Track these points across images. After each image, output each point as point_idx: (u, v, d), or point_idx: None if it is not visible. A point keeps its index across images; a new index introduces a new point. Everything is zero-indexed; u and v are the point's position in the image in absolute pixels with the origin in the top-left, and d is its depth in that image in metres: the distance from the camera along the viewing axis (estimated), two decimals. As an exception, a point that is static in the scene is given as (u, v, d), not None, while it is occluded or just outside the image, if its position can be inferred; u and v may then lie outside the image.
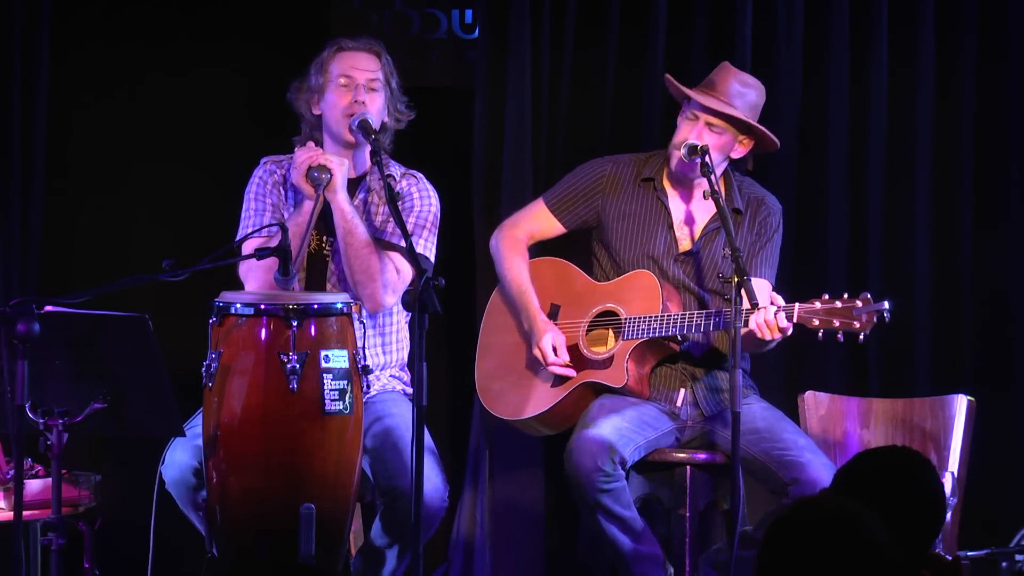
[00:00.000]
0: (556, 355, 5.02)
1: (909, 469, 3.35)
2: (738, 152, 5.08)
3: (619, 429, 4.87)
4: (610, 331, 5.07)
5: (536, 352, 5.06)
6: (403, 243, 4.63)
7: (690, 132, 5.00)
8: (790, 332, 4.76)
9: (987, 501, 5.65)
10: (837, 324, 4.71)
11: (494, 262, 5.23)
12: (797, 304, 4.75)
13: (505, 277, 5.18)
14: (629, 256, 5.09)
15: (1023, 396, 5.85)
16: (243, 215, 4.97)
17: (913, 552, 3.26)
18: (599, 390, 5.03)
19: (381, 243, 4.84)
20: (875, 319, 4.69)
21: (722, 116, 4.99)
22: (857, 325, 4.70)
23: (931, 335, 5.84)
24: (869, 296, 4.71)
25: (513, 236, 5.20)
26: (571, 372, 5.03)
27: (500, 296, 5.26)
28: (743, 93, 5.03)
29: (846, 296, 4.73)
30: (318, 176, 4.74)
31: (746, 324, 4.73)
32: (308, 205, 4.75)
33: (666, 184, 5.12)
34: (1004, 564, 5.49)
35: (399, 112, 5.00)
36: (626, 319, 4.99)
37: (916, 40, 5.84)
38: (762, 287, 4.96)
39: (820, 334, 4.73)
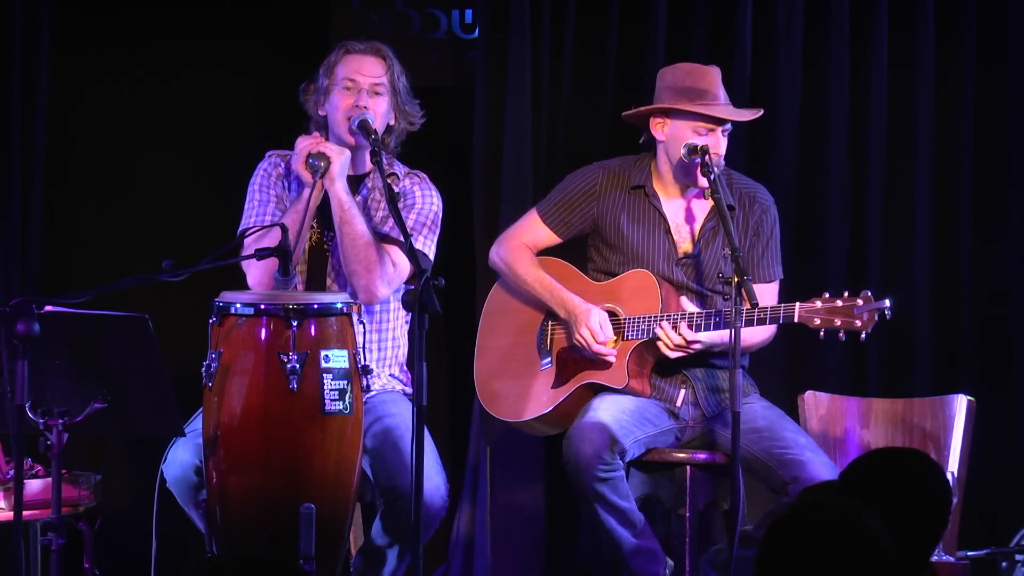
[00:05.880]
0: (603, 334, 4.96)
1: (921, 472, 3.34)
2: None
3: (619, 420, 4.86)
4: (608, 331, 5.06)
5: (584, 332, 4.94)
6: (401, 238, 4.64)
7: (715, 145, 4.95)
8: (698, 347, 4.82)
9: (987, 501, 5.65)
10: (839, 323, 4.70)
11: (502, 275, 5.18)
12: (798, 304, 4.75)
13: (523, 279, 5.10)
14: (629, 262, 5.07)
15: (1023, 396, 5.85)
16: (246, 207, 4.98)
17: (916, 554, 3.26)
18: (599, 390, 5.01)
19: (378, 236, 4.85)
20: (876, 317, 4.69)
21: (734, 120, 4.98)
22: (859, 324, 4.69)
23: (931, 335, 5.83)
24: (870, 294, 4.70)
25: (514, 245, 5.16)
26: (613, 353, 4.98)
27: (497, 298, 5.22)
28: (722, 87, 5.02)
29: (846, 295, 4.72)
30: (315, 164, 4.77)
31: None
32: (306, 193, 4.76)
33: (657, 188, 5.08)
34: (1004, 564, 5.50)
35: (408, 114, 5.00)
36: (626, 319, 4.98)
37: (916, 39, 5.83)
38: (767, 292, 4.96)
39: (822, 333, 4.73)
